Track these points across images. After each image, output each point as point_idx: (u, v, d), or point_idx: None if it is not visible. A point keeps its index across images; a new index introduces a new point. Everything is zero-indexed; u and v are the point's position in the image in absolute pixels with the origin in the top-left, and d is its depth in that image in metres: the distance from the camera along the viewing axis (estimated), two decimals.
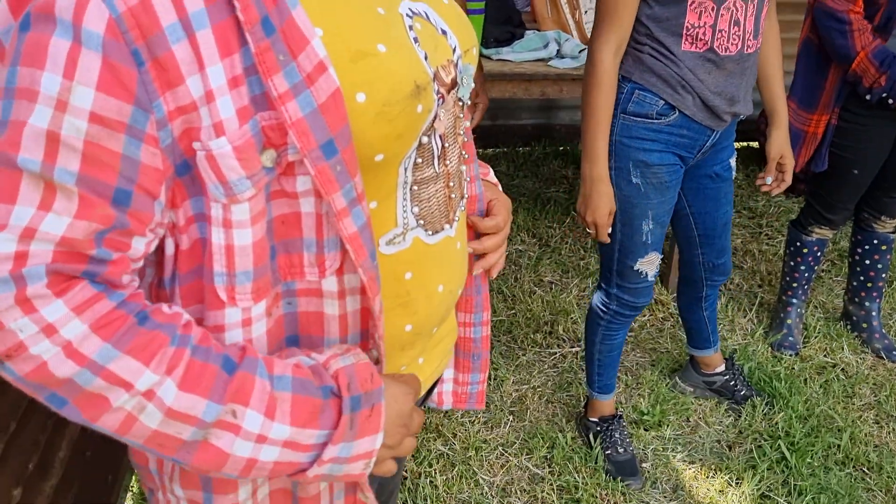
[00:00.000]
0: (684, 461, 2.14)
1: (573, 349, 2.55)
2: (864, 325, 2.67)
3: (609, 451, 2.09)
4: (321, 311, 0.75)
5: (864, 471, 2.13)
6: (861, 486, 2.06)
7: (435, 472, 2.03)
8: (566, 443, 2.14)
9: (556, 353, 2.53)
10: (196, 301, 0.70)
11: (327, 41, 0.66)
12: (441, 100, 0.77)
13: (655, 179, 1.73)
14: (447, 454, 2.10)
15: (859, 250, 2.61)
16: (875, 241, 2.57)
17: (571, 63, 2.63)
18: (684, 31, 1.61)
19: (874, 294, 2.66)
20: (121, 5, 0.57)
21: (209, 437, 0.65)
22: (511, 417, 2.25)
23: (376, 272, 0.73)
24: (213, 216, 0.66)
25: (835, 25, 2.17)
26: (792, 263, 2.63)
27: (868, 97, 2.18)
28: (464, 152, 0.87)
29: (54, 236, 0.59)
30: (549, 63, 2.68)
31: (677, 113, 1.68)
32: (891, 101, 2.15)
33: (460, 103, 0.84)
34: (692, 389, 2.39)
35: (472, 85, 0.84)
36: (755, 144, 4.10)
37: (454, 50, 0.80)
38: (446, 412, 2.21)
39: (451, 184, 0.84)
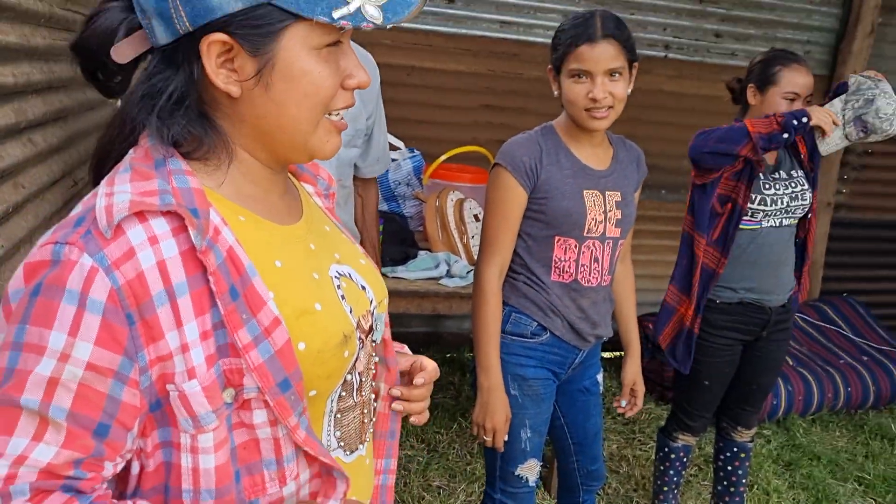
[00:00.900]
0: None
1: None
2: None
3: None
4: None
5: None
6: None
7: None
8: None
9: None
10: None
11: (278, 302, 0.84)
12: (361, 344, 0.97)
13: (531, 392, 1.95)
14: None
15: (721, 457, 2.85)
16: (735, 449, 2.81)
17: (460, 282, 2.90)
18: (553, 264, 1.91)
19: (737, 498, 2.87)
20: (121, 279, 0.76)
21: None
22: None
23: (328, 453, 0.90)
24: (182, 444, 0.81)
25: (730, 132, 2.37)
26: (661, 468, 2.84)
27: (770, 145, 2.34)
28: (372, 382, 1.05)
29: (41, 462, 0.73)
30: (439, 282, 2.95)
31: (548, 333, 1.93)
32: (798, 122, 2.31)
33: (373, 343, 1.03)
34: None
35: (384, 329, 1.05)
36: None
37: (371, 302, 1.01)
38: None
39: (366, 410, 1.02)
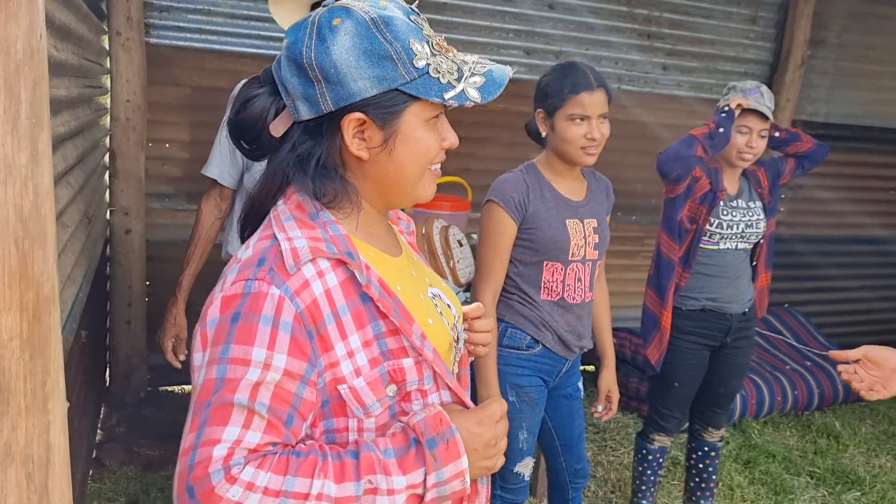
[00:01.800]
0: None
1: None
2: None
3: None
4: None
5: None
6: None
7: None
8: None
9: None
10: None
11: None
12: (456, 351, 1.21)
13: (527, 398, 2.19)
14: None
15: (693, 456, 3.11)
16: (706, 448, 3.07)
17: None
18: (542, 285, 2.16)
19: (707, 494, 3.14)
20: (302, 304, 0.99)
21: (362, 502, 0.97)
22: None
23: None
24: (350, 427, 1.04)
25: (683, 141, 2.68)
26: (640, 469, 3.08)
27: (713, 141, 2.66)
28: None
29: (251, 444, 0.95)
30: None
31: (541, 346, 2.18)
32: (724, 112, 2.66)
33: (458, 350, 1.27)
34: None
35: (463, 336, 1.29)
36: (593, 367, 4.71)
37: (455, 316, 1.25)
38: None
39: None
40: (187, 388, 3.94)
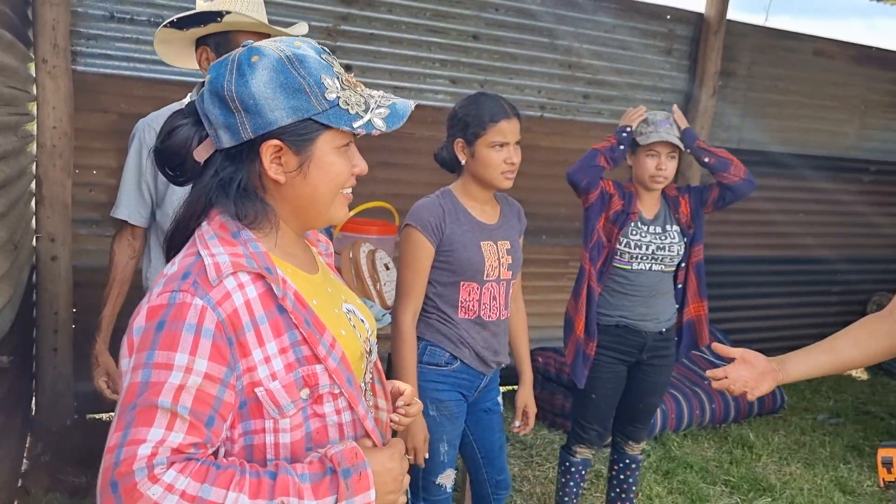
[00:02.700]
0: None
1: None
2: None
3: None
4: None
5: None
6: None
7: None
8: None
9: None
10: None
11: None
12: (368, 361, 1.32)
13: (447, 412, 2.29)
14: None
15: (615, 468, 3.24)
16: (627, 461, 3.20)
17: (376, 325, 3.21)
18: (459, 304, 2.27)
19: (627, 503, 3.28)
20: (222, 314, 1.08)
21: None
22: None
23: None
24: (267, 428, 1.13)
25: (588, 154, 2.92)
26: (563, 480, 3.19)
27: (614, 154, 2.88)
28: (371, 393, 1.39)
29: (173, 444, 1.03)
30: None
31: (459, 362, 2.29)
32: (626, 130, 2.89)
33: (371, 362, 1.37)
34: None
35: (376, 349, 1.39)
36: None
37: (368, 330, 1.36)
38: None
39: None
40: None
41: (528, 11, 4.59)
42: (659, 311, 2.99)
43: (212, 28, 2.15)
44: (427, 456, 2.27)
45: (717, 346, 1.90)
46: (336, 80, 1.18)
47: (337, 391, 1.18)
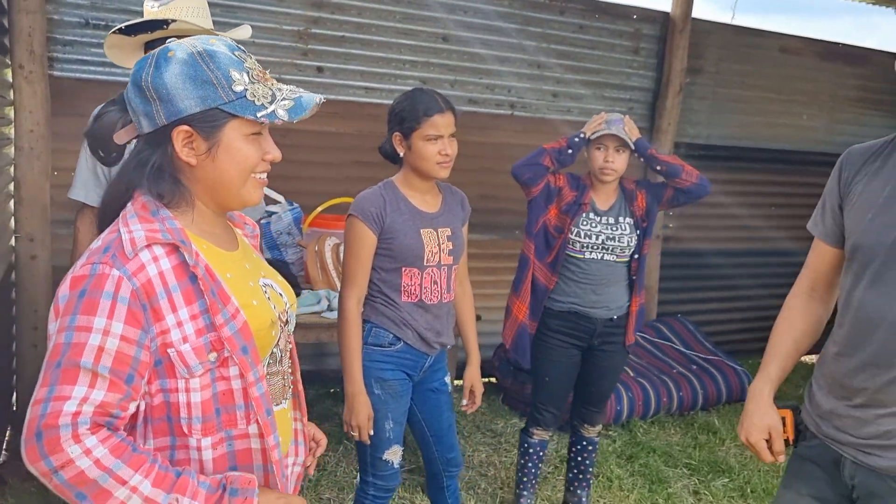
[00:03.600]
0: None
1: None
2: None
3: None
4: (249, 447, 1.34)
5: None
6: None
7: None
8: None
9: None
10: (163, 434, 1.28)
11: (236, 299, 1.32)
12: (282, 328, 1.45)
13: (391, 390, 2.42)
14: None
15: (573, 449, 3.38)
16: (584, 443, 3.34)
17: None
18: (402, 288, 2.41)
19: (584, 484, 3.40)
20: (137, 283, 1.22)
21: None
22: None
23: (270, 421, 1.34)
24: (179, 387, 1.26)
25: (534, 153, 3.08)
26: (521, 462, 3.32)
27: (561, 157, 3.04)
28: (289, 360, 1.54)
29: (96, 401, 1.17)
30: (321, 314, 3.38)
31: (402, 343, 2.42)
32: (571, 150, 3.03)
33: (289, 334, 1.52)
34: None
35: (295, 319, 1.53)
36: (493, 379, 4.97)
37: (286, 303, 1.50)
38: None
39: (284, 377, 1.51)
40: None
41: (495, 13, 4.72)
42: (609, 299, 3.10)
43: (158, 34, 2.29)
44: (372, 433, 2.40)
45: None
46: (245, 75, 1.32)
47: (237, 359, 1.30)
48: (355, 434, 2.37)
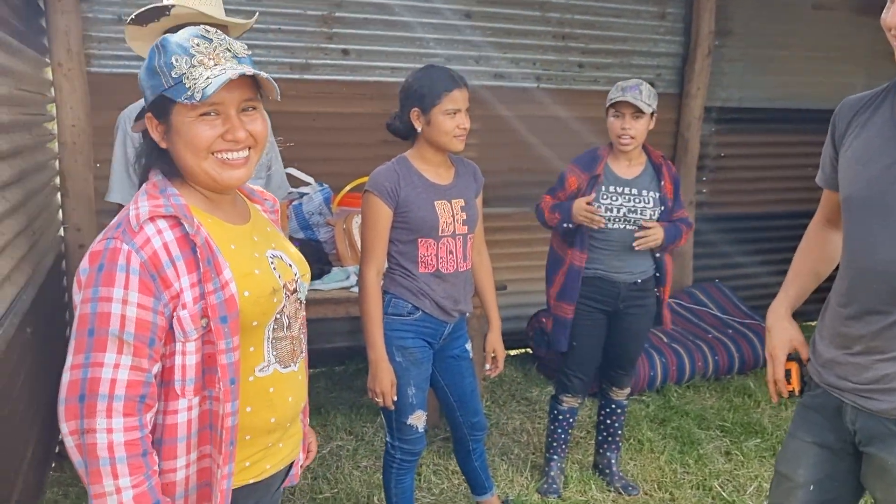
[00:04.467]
0: None
1: None
2: (607, 472, 3.46)
3: None
4: (218, 411, 1.44)
5: None
6: None
7: None
8: None
9: None
10: (160, 398, 1.40)
11: (232, 267, 1.43)
12: (287, 297, 1.56)
13: (412, 357, 2.53)
14: None
15: (602, 413, 3.45)
16: (613, 406, 3.41)
17: None
18: (419, 259, 2.50)
19: (613, 447, 3.48)
20: (144, 255, 1.34)
21: None
22: None
23: (232, 389, 1.43)
24: (176, 349, 1.38)
25: (536, 210, 3.20)
26: (551, 428, 3.40)
27: (564, 231, 3.12)
28: (301, 327, 1.64)
29: (127, 364, 1.30)
30: (350, 290, 3.51)
31: (420, 312, 2.52)
32: (569, 225, 3.07)
33: (299, 301, 1.63)
34: None
35: (306, 290, 1.63)
36: (529, 350, 5.05)
37: (296, 273, 1.61)
38: None
39: (294, 342, 1.61)
40: None
41: None
42: (631, 263, 3.14)
43: (164, 23, 2.41)
44: (395, 399, 2.52)
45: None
46: (188, 60, 1.37)
47: (213, 325, 1.40)
48: (379, 400, 2.49)
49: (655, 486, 3.45)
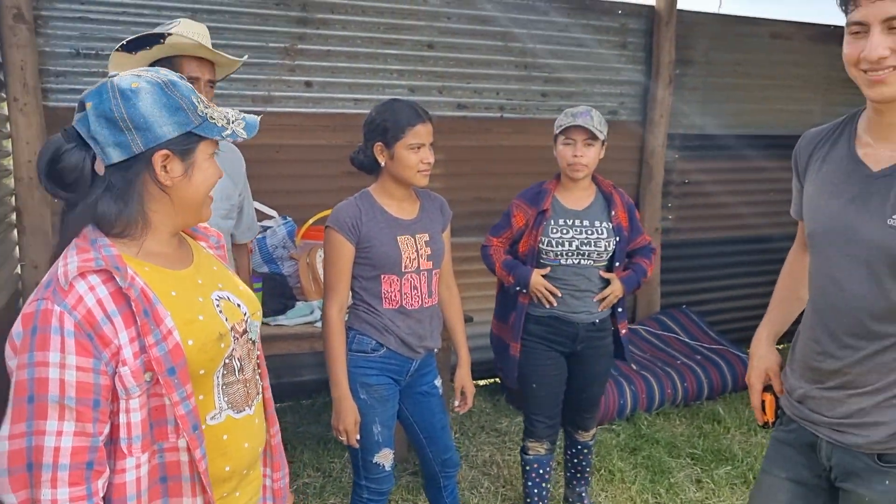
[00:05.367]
0: None
1: None
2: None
3: None
4: (178, 460, 1.39)
5: None
6: None
7: None
8: None
9: None
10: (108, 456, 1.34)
11: (174, 316, 1.38)
12: (236, 340, 1.51)
13: (377, 395, 2.48)
14: None
15: (569, 452, 3.37)
16: (579, 447, 3.33)
17: None
18: (382, 295, 2.47)
19: (583, 482, 3.42)
20: (77, 315, 1.27)
21: None
22: None
23: (197, 435, 1.39)
24: (120, 408, 1.32)
25: (483, 252, 3.13)
26: (525, 483, 3.24)
27: (514, 292, 3.02)
28: (256, 368, 1.60)
29: (69, 433, 1.24)
30: (314, 324, 3.45)
31: (385, 349, 2.48)
32: (523, 289, 2.96)
33: (251, 342, 1.58)
34: None
35: (258, 329, 1.58)
36: (498, 379, 5.01)
37: (245, 313, 1.56)
38: None
39: (248, 385, 1.56)
40: None
41: (480, 18, 4.78)
42: (591, 303, 3.02)
43: (156, 52, 2.37)
44: (359, 437, 2.46)
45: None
46: (200, 101, 1.44)
47: (162, 379, 1.35)
48: (343, 438, 2.43)
49: None
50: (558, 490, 3.63)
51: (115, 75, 1.42)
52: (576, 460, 3.37)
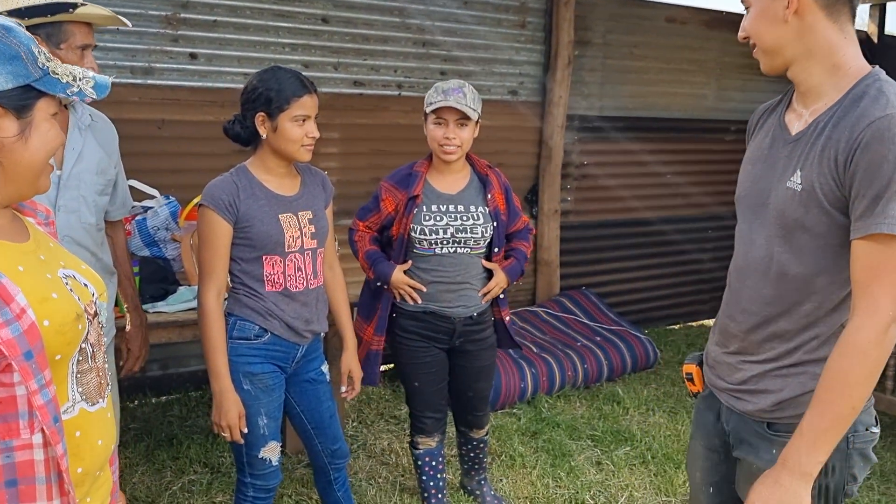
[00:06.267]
0: None
1: None
2: (478, 493, 3.33)
3: None
4: (32, 459, 1.19)
5: None
6: None
7: None
8: None
9: None
10: None
11: (25, 293, 1.18)
12: (90, 322, 1.31)
13: (262, 384, 2.30)
14: None
15: (464, 449, 3.25)
16: (475, 443, 3.20)
17: None
18: (265, 278, 2.28)
19: (481, 471, 3.31)
20: None
21: None
22: None
23: (58, 428, 1.20)
24: None
25: (350, 236, 2.90)
26: (420, 477, 3.11)
27: (375, 287, 2.83)
28: (105, 356, 1.40)
29: None
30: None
31: (269, 334, 2.30)
32: (384, 286, 2.79)
33: (101, 325, 1.39)
34: None
35: (108, 312, 1.40)
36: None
37: (93, 294, 1.36)
38: None
39: (100, 374, 1.37)
40: None
41: None
42: (466, 297, 2.86)
43: (59, 17, 2.17)
44: (245, 431, 2.28)
45: None
46: (41, 53, 1.23)
47: (17, 364, 1.17)
48: (226, 434, 2.24)
49: (528, 503, 3.35)
50: (456, 476, 3.54)
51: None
52: (472, 454, 3.26)
